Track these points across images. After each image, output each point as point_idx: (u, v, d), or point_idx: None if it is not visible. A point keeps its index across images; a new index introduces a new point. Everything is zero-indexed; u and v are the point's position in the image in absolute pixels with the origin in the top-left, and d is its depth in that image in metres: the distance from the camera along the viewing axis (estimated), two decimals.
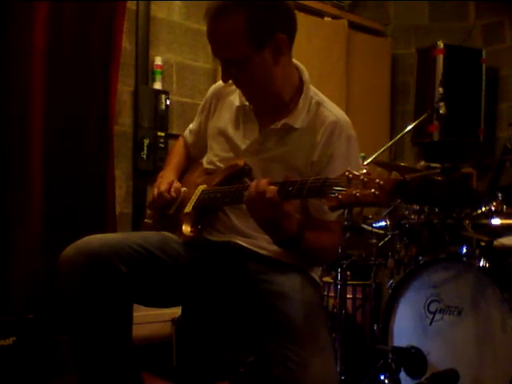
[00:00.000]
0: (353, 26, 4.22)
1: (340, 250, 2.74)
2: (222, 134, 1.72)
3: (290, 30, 1.56)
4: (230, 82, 1.62)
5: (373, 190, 1.19)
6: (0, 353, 2.23)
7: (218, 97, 1.78)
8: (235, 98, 1.72)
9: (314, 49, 3.90)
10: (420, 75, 4.19)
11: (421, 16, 4.47)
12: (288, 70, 1.62)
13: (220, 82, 1.76)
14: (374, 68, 4.32)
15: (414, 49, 4.31)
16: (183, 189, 1.77)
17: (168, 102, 3.30)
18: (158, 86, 3.29)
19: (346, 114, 1.68)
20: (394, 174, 2.81)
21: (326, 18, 4.09)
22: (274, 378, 1.35)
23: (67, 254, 1.49)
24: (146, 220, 1.89)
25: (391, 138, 3.88)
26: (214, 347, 2.35)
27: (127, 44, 3.16)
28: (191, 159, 1.94)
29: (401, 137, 3.02)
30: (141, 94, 3.21)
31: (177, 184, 1.75)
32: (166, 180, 1.76)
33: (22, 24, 2.62)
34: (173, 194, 1.72)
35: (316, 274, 1.71)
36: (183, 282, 1.62)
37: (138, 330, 1.84)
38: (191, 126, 1.94)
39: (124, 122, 3.19)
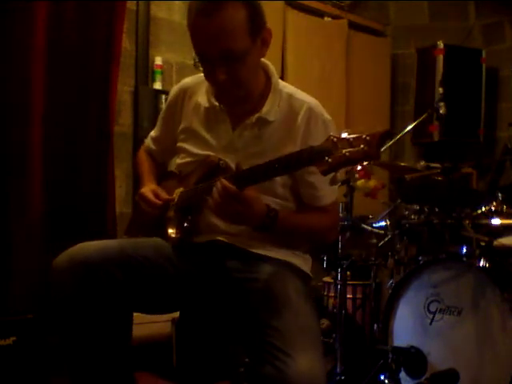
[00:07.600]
0: (353, 25, 4.22)
1: (341, 249, 2.74)
2: (195, 135, 1.70)
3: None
4: (195, 81, 1.74)
5: (362, 146, 1.20)
6: (0, 353, 2.23)
7: (184, 96, 1.77)
8: (202, 99, 1.70)
9: (314, 49, 3.91)
10: (420, 75, 4.19)
11: (421, 16, 4.47)
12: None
13: (185, 80, 1.81)
14: (374, 68, 4.32)
15: (414, 49, 4.30)
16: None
17: None
18: (158, 86, 3.28)
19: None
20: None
21: (326, 18, 4.10)
22: (263, 377, 1.37)
23: (61, 260, 1.49)
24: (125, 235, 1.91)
25: (391, 138, 3.87)
26: (214, 347, 2.35)
27: (127, 44, 3.16)
28: (160, 164, 1.94)
29: (401, 137, 3.02)
30: (141, 94, 3.21)
31: (160, 191, 1.76)
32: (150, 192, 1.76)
33: (22, 24, 2.61)
34: (163, 197, 1.72)
35: (306, 265, 1.71)
36: (179, 286, 1.62)
37: (138, 330, 1.84)
38: (153, 133, 1.92)
39: (124, 122, 3.19)
